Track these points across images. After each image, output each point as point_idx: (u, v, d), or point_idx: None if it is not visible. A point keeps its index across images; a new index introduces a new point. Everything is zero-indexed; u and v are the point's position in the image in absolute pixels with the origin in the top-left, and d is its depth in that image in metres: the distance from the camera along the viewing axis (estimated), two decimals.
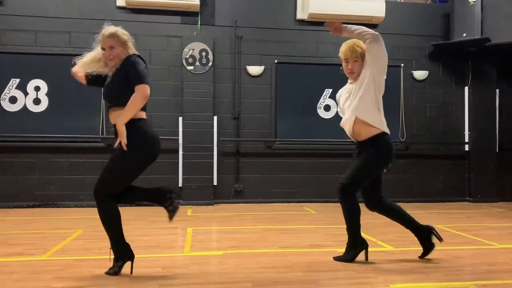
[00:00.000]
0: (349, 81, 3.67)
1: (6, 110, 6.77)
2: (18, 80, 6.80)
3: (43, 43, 6.93)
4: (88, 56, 3.25)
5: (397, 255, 3.87)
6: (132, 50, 3.19)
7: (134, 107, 2.99)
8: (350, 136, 3.68)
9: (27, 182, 6.78)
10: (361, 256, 3.60)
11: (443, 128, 7.93)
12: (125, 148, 2.98)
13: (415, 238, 4.58)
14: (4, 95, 6.77)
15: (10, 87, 6.79)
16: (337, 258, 3.59)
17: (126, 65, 3.07)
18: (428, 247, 3.70)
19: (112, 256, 3.14)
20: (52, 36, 6.94)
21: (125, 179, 3.12)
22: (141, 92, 2.99)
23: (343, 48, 3.57)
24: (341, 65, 3.65)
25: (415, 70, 7.82)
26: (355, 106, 3.50)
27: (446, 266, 3.49)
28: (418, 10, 7.87)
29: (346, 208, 3.50)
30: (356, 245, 3.55)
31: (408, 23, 7.81)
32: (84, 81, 3.35)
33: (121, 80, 3.06)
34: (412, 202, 7.57)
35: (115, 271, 3.13)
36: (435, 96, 7.91)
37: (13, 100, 6.79)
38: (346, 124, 3.59)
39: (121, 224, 3.13)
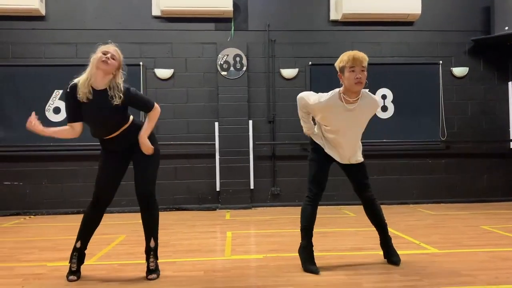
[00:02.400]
0: (343, 96, 3.26)
1: (51, 120, 7.05)
2: (61, 91, 7.07)
3: (83, 54, 7.08)
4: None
5: (442, 257, 3.75)
6: (120, 75, 3.21)
7: (154, 124, 3.26)
8: (341, 158, 3.51)
9: (71, 189, 7.03)
10: (404, 258, 3.51)
11: (485, 125, 7.65)
12: (151, 152, 3.19)
13: (460, 240, 4.46)
14: (49, 106, 7.06)
15: (54, 98, 7.08)
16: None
17: (130, 98, 3.16)
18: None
19: (152, 260, 3.24)
20: (92, 48, 7.12)
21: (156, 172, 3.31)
22: (158, 111, 3.26)
23: (347, 55, 3.21)
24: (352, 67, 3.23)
25: (455, 67, 7.59)
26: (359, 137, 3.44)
27: (495, 269, 3.35)
28: (456, 4, 7.64)
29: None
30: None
31: (445, 18, 7.60)
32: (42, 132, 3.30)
33: (121, 111, 3.16)
34: (455, 202, 7.35)
35: (160, 272, 3.26)
36: (476, 93, 7.65)
37: (56, 110, 7.07)
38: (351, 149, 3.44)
39: None
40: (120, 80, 3.18)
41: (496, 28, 7.28)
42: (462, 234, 4.81)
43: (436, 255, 3.82)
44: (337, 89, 3.35)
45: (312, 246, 3.46)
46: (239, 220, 6.03)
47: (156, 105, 3.27)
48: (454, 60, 7.62)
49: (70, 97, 3.15)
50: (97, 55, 3.13)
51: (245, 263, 3.66)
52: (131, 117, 3.26)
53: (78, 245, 3.28)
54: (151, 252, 3.24)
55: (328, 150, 3.46)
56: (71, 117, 3.21)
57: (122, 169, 3.31)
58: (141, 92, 7.05)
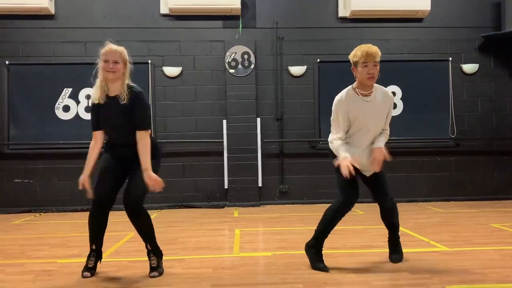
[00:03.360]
0: (359, 91, 3.32)
1: (60, 118, 7.11)
2: (70, 90, 7.12)
3: (92, 53, 7.13)
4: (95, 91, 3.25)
5: (452, 255, 3.73)
6: (127, 75, 3.22)
7: (149, 151, 3.14)
8: (363, 166, 3.40)
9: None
10: (413, 256, 3.49)
11: (496, 122, 7.58)
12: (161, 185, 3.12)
13: (471, 238, 4.43)
14: (58, 104, 7.11)
15: (64, 97, 7.12)
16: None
17: (139, 102, 3.16)
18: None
19: (153, 258, 3.27)
20: (101, 46, 7.20)
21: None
22: (149, 139, 3.17)
23: (361, 50, 3.22)
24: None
25: (465, 63, 7.52)
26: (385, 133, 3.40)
27: (506, 267, 3.32)
28: (466, 0, 7.55)
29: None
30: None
31: (455, 15, 7.53)
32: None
33: (130, 111, 3.14)
34: (465, 200, 7.30)
35: (162, 269, 3.27)
36: (486, 90, 7.58)
37: (66, 108, 7.12)
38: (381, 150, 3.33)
39: None
40: (128, 80, 3.20)
41: (506, 24, 7.19)
42: (472, 232, 4.77)
43: (446, 253, 3.79)
44: (348, 87, 3.41)
45: (322, 245, 3.44)
46: (247, 218, 6.03)
47: (150, 131, 3.24)
48: (464, 56, 7.55)
49: (92, 107, 3.28)
50: (100, 63, 3.15)
51: (253, 261, 3.66)
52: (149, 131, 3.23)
53: (94, 247, 3.32)
54: (150, 253, 3.28)
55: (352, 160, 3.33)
56: (95, 126, 3.33)
57: (123, 173, 3.29)
58: (150, 89, 7.09)
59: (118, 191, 3.29)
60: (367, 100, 3.32)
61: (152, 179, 3.07)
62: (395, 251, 3.53)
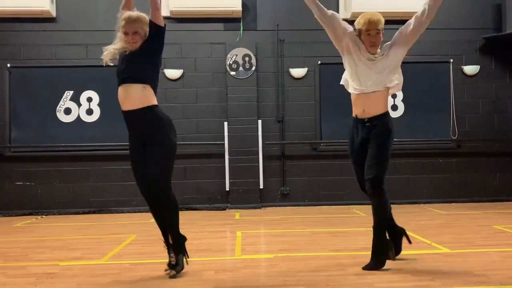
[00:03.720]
0: (362, 53, 3.36)
1: (61, 121, 7.11)
2: (71, 92, 7.13)
3: (94, 55, 7.22)
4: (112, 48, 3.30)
5: (454, 257, 3.72)
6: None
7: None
8: (358, 114, 3.41)
9: (82, 189, 7.08)
10: (415, 258, 3.49)
11: (497, 124, 7.57)
12: None
13: (472, 240, 4.42)
14: (60, 106, 7.12)
15: (65, 99, 7.13)
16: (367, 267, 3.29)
17: (159, 35, 3.15)
18: (397, 250, 3.53)
19: (172, 255, 3.23)
20: (102, 49, 7.21)
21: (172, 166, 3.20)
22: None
23: (364, 18, 3.30)
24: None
25: (466, 65, 7.52)
26: (389, 80, 3.41)
27: (508, 269, 3.31)
28: (467, 2, 7.56)
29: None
30: (387, 247, 3.33)
31: (456, 16, 7.52)
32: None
33: (147, 52, 3.13)
34: (467, 202, 7.29)
35: (181, 267, 3.23)
36: (488, 92, 7.57)
37: (67, 111, 7.13)
38: (371, 97, 3.35)
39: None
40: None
41: (507, 25, 7.19)
42: (474, 233, 4.77)
43: (448, 255, 3.78)
44: None
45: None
46: (248, 220, 6.03)
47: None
48: (465, 58, 7.55)
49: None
50: (119, 31, 3.16)
51: (255, 263, 3.66)
52: (155, 100, 3.21)
53: (164, 241, 3.28)
54: (170, 248, 3.24)
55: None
56: None
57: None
58: None
59: None
60: (372, 62, 3.35)
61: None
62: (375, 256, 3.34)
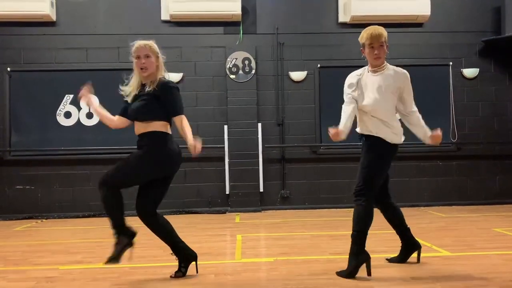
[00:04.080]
0: (369, 68, 3.44)
1: (61, 124, 7.12)
2: (71, 96, 7.13)
3: (94, 59, 7.25)
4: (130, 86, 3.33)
5: (454, 260, 3.72)
6: (162, 67, 3.28)
7: (189, 129, 3.25)
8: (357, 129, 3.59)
9: (82, 193, 7.08)
10: (415, 261, 3.48)
11: (497, 126, 7.57)
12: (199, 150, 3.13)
13: (473, 242, 4.42)
14: (60, 110, 7.13)
15: (65, 103, 7.14)
16: (340, 273, 3.26)
17: (166, 92, 3.18)
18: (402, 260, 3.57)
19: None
20: (102, 52, 7.25)
21: (132, 177, 3.20)
22: (186, 120, 3.26)
23: (367, 33, 3.39)
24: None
25: (465, 68, 7.53)
26: (387, 101, 3.39)
27: (508, 272, 3.31)
28: (466, 5, 7.58)
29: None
30: (357, 258, 3.24)
31: (455, 19, 7.55)
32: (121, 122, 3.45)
33: (153, 100, 3.16)
34: (467, 205, 7.28)
35: (182, 273, 3.30)
36: (487, 94, 7.58)
37: (67, 115, 7.14)
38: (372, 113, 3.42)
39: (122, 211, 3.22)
40: (162, 73, 3.26)
41: (507, 28, 7.21)
42: (475, 236, 4.76)
43: (448, 258, 3.78)
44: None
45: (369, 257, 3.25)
46: (249, 223, 6.03)
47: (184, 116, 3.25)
48: (465, 61, 7.56)
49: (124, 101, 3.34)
50: (134, 62, 3.23)
51: (255, 266, 3.66)
52: (168, 127, 3.25)
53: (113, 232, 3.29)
54: (173, 254, 3.32)
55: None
56: (122, 111, 3.41)
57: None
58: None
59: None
60: (375, 74, 3.42)
61: (194, 145, 3.12)
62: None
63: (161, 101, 3.16)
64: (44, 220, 6.83)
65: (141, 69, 3.17)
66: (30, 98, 7.09)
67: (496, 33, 7.47)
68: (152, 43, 3.29)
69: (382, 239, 4.52)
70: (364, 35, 3.43)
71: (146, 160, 3.17)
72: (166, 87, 3.18)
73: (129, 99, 3.27)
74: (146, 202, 3.22)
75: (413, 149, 7.37)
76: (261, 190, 7.22)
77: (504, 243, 4.38)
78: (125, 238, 3.18)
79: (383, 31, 3.40)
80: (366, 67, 3.51)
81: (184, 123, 3.22)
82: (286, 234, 5.15)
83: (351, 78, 3.53)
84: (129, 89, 3.28)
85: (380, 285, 3.05)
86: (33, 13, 6.89)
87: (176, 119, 3.22)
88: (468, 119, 7.55)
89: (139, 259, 3.98)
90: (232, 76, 7.25)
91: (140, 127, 3.22)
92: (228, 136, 7.20)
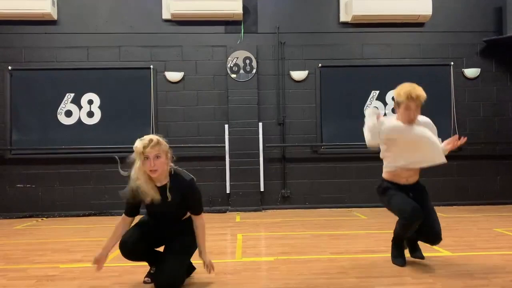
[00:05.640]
0: (398, 119, 3.44)
1: (62, 123, 7.12)
2: (72, 95, 7.14)
3: (95, 58, 7.25)
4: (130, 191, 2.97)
5: (455, 260, 3.71)
6: (169, 159, 3.00)
7: (204, 235, 3.09)
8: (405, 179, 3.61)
9: (83, 192, 7.08)
10: (416, 260, 3.48)
11: (498, 127, 7.57)
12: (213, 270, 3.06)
13: (473, 242, 4.41)
14: (60, 109, 7.13)
15: (66, 102, 7.14)
16: None
17: (193, 194, 3.00)
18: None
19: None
20: (103, 51, 7.25)
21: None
22: (204, 221, 3.08)
23: (404, 92, 3.29)
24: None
25: (466, 68, 7.52)
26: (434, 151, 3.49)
27: (509, 272, 3.31)
28: (468, 5, 7.57)
29: None
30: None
31: (457, 19, 7.54)
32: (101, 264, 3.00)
33: (180, 201, 2.98)
34: (468, 205, 7.28)
35: None
36: (488, 94, 7.57)
37: (68, 113, 7.14)
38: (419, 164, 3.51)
39: None
40: (170, 160, 2.98)
41: (508, 28, 7.20)
42: (475, 236, 4.76)
43: (449, 258, 3.77)
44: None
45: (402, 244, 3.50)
46: (249, 223, 6.02)
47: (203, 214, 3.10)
48: (466, 61, 7.55)
49: (132, 201, 3.00)
50: (138, 161, 2.86)
51: (256, 266, 3.65)
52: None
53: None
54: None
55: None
56: (128, 212, 3.05)
57: (157, 237, 3.10)
58: (152, 94, 7.11)
59: (145, 247, 3.06)
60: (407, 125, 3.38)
61: (209, 263, 3.02)
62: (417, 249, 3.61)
63: (186, 199, 2.99)
64: (44, 218, 6.84)
65: (151, 171, 2.86)
66: (31, 97, 7.09)
67: (497, 33, 7.46)
68: (161, 139, 2.92)
69: (382, 239, 4.52)
70: (401, 93, 3.29)
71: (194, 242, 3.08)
72: (192, 189, 2.99)
73: (148, 201, 2.95)
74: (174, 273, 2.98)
75: None
76: (262, 189, 7.22)
77: (504, 243, 4.37)
78: None
79: (422, 92, 3.30)
80: (393, 116, 3.50)
81: (201, 225, 3.04)
82: (287, 234, 5.14)
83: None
84: (147, 198, 2.92)
85: (381, 283, 3.05)
86: (34, 12, 6.89)
87: (197, 218, 3.05)
88: (469, 119, 7.54)
89: None
90: (233, 75, 7.25)
91: (173, 221, 3.07)
92: (228, 135, 7.20)
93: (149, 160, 2.84)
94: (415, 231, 3.47)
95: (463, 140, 3.43)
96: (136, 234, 3.00)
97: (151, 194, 2.90)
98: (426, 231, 3.39)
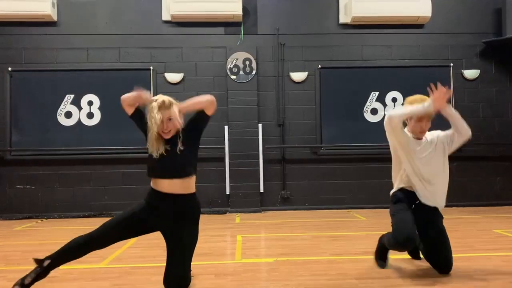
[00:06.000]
0: (410, 134, 3.42)
1: (62, 124, 7.12)
2: (72, 96, 7.14)
3: (95, 59, 7.25)
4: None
5: (455, 261, 3.68)
6: (181, 117, 2.93)
7: (199, 102, 2.96)
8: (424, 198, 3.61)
9: (83, 193, 7.08)
10: (416, 262, 3.48)
11: (498, 128, 7.57)
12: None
13: (473, 244, 4.41)
14: (60, 110, 7.13)
15: (66, 103, 7.14)
16: None
17: (188, 122, 2.95)
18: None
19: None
20: (103, 53, 7.26)
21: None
22: (213, 99, 2.99)
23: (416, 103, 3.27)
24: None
25: (466, 69, 7.53)
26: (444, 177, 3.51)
27: (509, 273, 3.31)
28: (467, 6, 7.58)
29: None
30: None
31: (456, 20, 7.55)
32: (131, 110, 3.02)
33: (192, 147, 2.93)
34: (467, 206, 7.27)
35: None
36: (488, 96, 7.58)
37: (68, 115, 7.14)
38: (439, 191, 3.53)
39: None
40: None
41: (507, 30, 7.21)
42: (475, 238, 4.76)
43: None
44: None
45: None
46: (249, 224, 6.02)
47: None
48: (465, 62, 7.56)
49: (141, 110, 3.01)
50: (152, 119, 2.79)
51: (255, 267, 3.66)
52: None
53: (46, 263, 2.97)
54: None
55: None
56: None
57: (137, 231, 3.02)
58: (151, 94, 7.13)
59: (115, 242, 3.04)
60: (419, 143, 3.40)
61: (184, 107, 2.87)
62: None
63: (192, 119, 2.93)
64: (44, 220, 6.83)
65: (164, 133, 2.81)
66: (31, 98, 7.09)
67: (497, 35, 7.47)
68: (174, 101, 2.87)
69: None
70: (414, 104, 3.32)
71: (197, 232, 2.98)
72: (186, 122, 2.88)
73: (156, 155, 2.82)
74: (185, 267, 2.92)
75: None
76: (262, 190, 7.22)
77: (504, 244, 4.38)
78: None
79: None
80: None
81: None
82: (286, 235, 5.14)
83: None
84: (153, 148, 2.83)
85: (381, 285, 3.05)
86: (34, 13, 6.89)
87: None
88: (468, 121, 7.42)
89: (139, 259, 3.99)
90: (233, 77, 7.25)
91: (176, 186, 2.84)
92: (228, 136, 7.21)
93: (161, 123, 2.78)
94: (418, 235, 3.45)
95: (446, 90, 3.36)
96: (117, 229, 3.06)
97: (153, 145, 2.81)
98: (434, 258, 3.31)
